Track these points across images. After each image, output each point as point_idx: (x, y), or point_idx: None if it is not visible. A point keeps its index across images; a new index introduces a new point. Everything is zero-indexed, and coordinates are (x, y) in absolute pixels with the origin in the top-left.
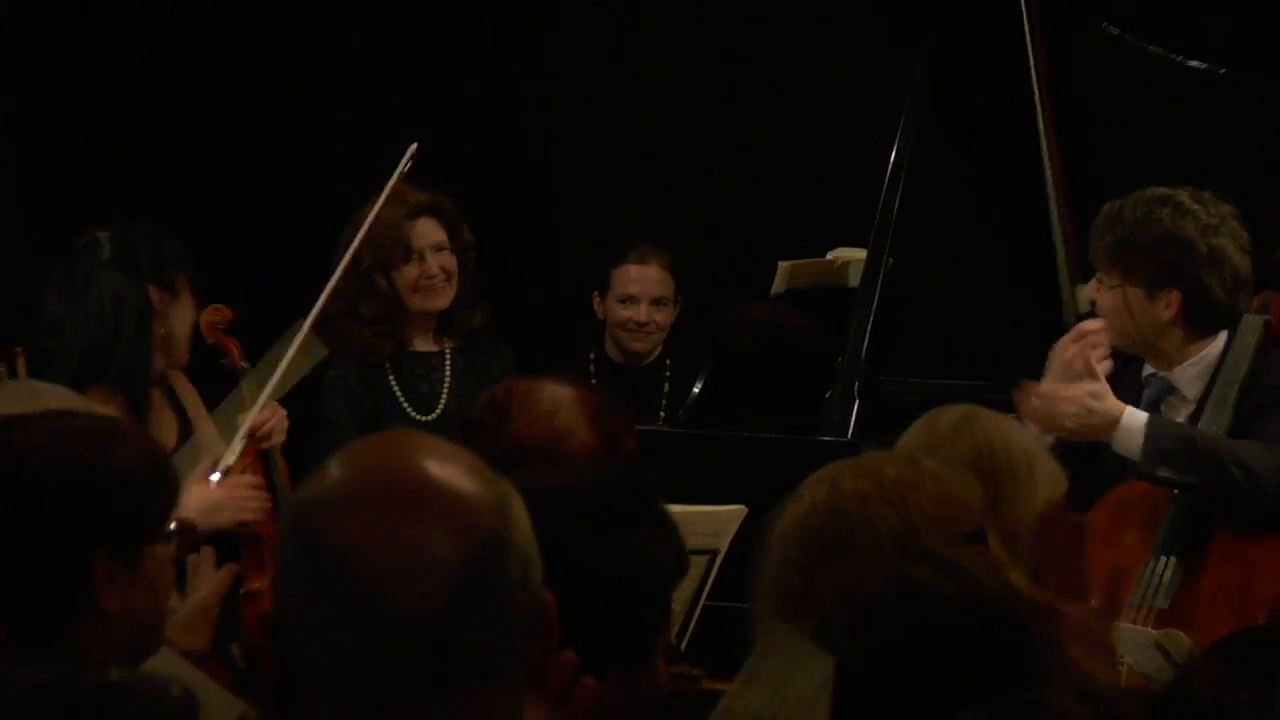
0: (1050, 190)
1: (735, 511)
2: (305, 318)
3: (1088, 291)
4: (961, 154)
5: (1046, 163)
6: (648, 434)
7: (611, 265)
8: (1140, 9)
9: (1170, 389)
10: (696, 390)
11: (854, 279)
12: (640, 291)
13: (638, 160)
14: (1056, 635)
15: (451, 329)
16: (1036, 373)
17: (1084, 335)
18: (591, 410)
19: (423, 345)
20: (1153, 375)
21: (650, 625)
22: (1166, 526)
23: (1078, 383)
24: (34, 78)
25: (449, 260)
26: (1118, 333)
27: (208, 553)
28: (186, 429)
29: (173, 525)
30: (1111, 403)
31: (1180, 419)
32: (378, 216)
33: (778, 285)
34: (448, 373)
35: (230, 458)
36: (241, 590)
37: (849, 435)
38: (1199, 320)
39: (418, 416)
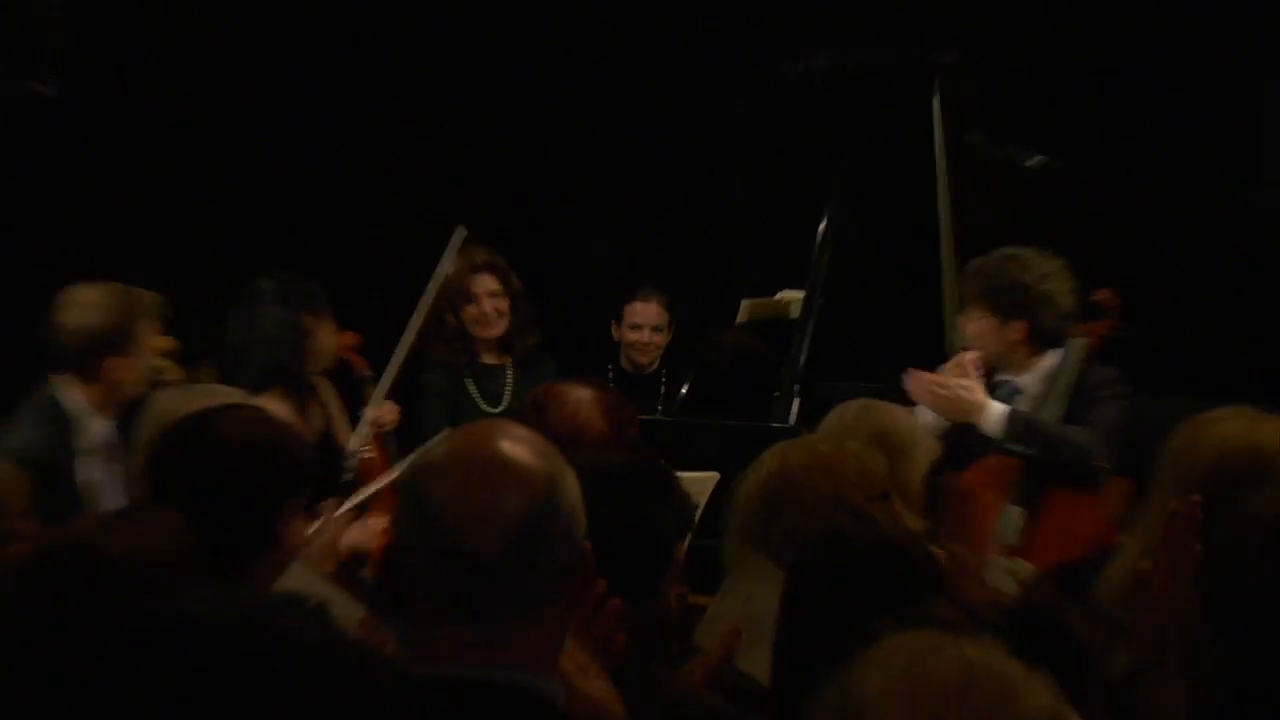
0: (944, 250)
1: (711, 477)
2: (401, 343)
3: (962, 320)
4: (878, 224)
5: (943, 230)
6: (648, 422)
7: (625, 303)
8: (994, 127)
9: (1017, 390)
10: (684, 391)
11: (795, 312)
12: (644, 321)
13: (645, 228)
14: (942, 565)
15: (511, 348)
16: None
17: (963, 361)
18: (605, 407)
19: (490, 359)
20: (1003, 381)
21: (659, 567)
22: (1017, 486)
23: (956, 381)
24: (218, 172)
25: (501, 303)
26: (982, 349)
27: (331, 503)
28: (328, 419)
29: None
30: (979, 394)
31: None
32: (446, 275)
33: (741, 316)
34: (509, 379)
35: (359, 440)
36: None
37: (791, 423)
38: (1038, 341)
39: (488, 409)
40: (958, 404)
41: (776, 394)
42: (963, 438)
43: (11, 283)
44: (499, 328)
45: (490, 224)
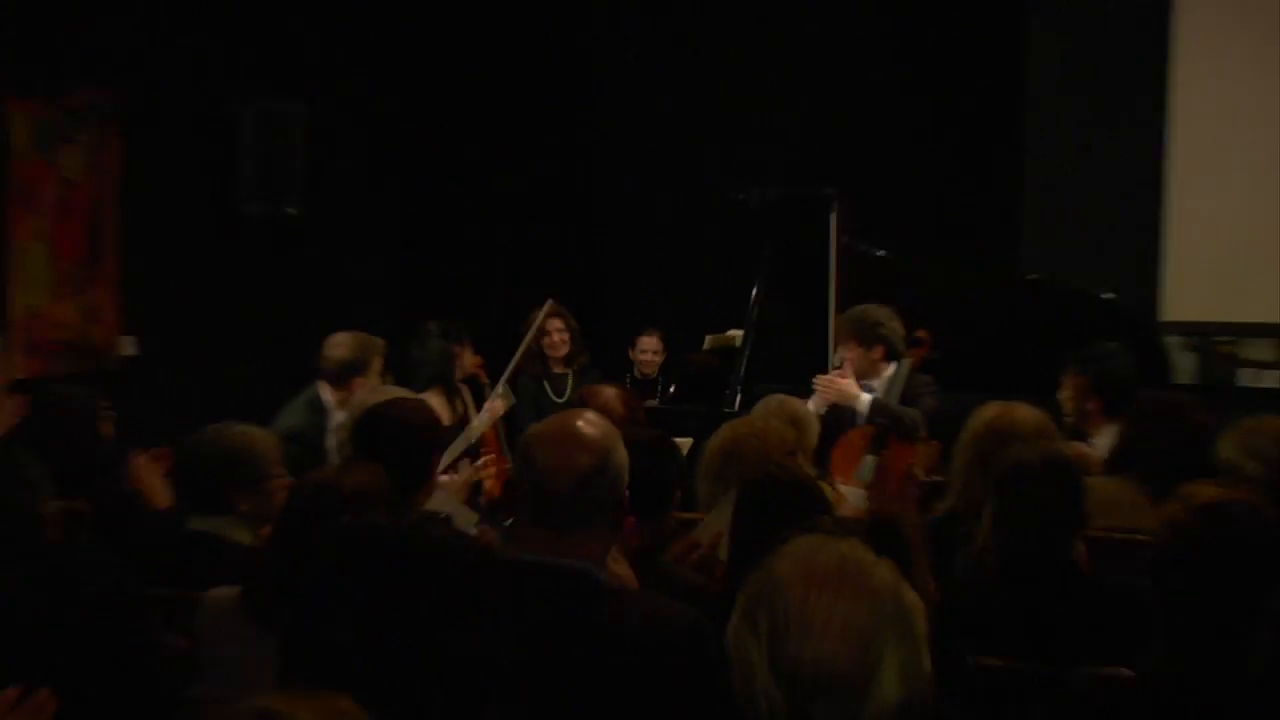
0: (830, 304)
1: (687, 441)
2: (509, 364)
3: (840, 349)
4: (790, 289)
5: (830, 292)
6: (649, 409)
7: (635, 335)
8: (861, 226)
9: (873, 389)
10: (671, 390)
11: (739, 342)
12: (647, 347)
13: (650, 291)
14: (827, 496)
15: (571, 363)
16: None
17: (845, 370)
18: (624, 399)
19: (559, 370)
20: (864, 384)
21: (665, 498)
22: (871, 443)
23: (841, 380)
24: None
25: (565, 336)
26: (853, 366)
27: (466, 461)
28: (465, 411)
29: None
30: (854, 388)
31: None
32: (537, 323)
33: (706, 345)
34: (570, 383)
35: (482, 424)
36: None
37: (736, 409)
38: (887, 359)
39: (557, 400)
40: (845, 393)
41: (727, 391)
42: (834, 418)
43: (291, 331)
44: (563, 351)
45: (562, 289)
